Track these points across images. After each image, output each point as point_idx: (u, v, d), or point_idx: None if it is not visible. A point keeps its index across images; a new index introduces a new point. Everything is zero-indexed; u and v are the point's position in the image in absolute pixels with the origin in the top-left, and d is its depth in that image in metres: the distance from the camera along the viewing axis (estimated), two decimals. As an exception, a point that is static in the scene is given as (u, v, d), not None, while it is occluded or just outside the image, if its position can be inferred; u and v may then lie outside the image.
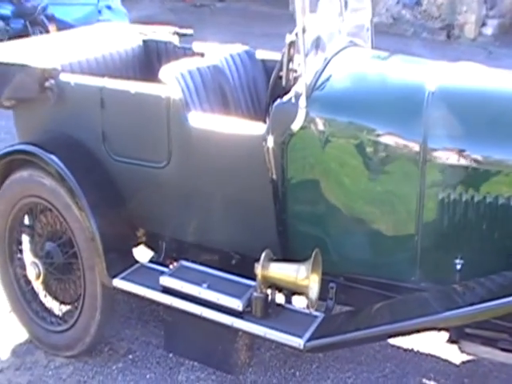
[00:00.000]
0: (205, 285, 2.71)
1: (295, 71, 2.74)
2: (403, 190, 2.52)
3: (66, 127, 3.04)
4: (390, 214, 2.57)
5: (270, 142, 2.53)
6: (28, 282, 3.28)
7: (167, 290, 2.75)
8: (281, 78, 2.80)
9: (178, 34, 3.88)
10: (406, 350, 3.27)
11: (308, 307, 2.62)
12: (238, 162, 2.69)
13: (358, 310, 2.67)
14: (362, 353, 3.23)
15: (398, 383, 3.05)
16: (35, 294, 3.28)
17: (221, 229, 2.83)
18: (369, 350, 3.25)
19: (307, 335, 2.52)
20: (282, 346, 3.15)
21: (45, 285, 3.14)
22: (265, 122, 2.77)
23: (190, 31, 3.88)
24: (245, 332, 2.64)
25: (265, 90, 3.53)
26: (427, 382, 3.08)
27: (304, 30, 2.50)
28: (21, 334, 3.35)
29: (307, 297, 2.57)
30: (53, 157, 2.89)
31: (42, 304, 3.27)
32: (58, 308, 3.25)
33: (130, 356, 3.21)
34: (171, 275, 2.78)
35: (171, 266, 3.05)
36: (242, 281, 2.75)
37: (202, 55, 3.65)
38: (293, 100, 2.54)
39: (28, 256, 3.25)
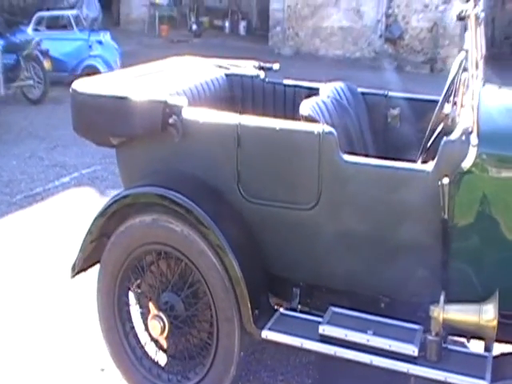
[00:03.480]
0: (370, 331, 2.53)
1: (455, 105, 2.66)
2: None
3: (192, 167, 2.81)
4: None
5: (446, 180, 2.42)
6: (136, 337, 3.01)
7: (327, 339, 2.56)
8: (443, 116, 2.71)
9: (263, 68, 3.75)
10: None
11: (487, 349, 2.50)
12: (400, 202, 2.54)
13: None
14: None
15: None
16: (145, 350, 3.01)
17: (373, 272, 2.66)
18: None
19: (488, 377, 2.39)
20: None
21: (168, 340, 2.86)
22: (410, 160, 2.68)
23: (276, 66, 3.75)
24: (421, 378, 2.47)
25: (368, 124, 3.44)
26: None
27: (477, 65, 2.45)
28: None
29: (487, 338, 2.44)
30: (188, 200, 2.67)
31: (153, 360, 3.00)
32: (174, 363, 2.98)
33: (253, 412, 2.99)
34: (329, 323, 2.58)
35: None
36: (403, 324, 2.58)
37: (296, 90, 3.56)
38: (463, 137, 2.44)
39: (138, 308, 3.01)
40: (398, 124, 3.45)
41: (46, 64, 8.66)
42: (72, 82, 3.11)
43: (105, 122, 2.89)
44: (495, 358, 2.53)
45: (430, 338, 2.47)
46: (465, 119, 2.47)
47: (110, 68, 10.08)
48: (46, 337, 3.53)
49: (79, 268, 2.99)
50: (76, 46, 9.35)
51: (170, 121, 2.75)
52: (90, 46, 9.39)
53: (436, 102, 3.36)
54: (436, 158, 2.49)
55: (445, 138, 2.50)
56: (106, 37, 9.70)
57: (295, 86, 3.62)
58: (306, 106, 2.81)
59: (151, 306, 2.82)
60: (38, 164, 6.43)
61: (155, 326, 2.80)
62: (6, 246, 4.59)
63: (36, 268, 4.27)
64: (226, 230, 2.67)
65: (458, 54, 10.76)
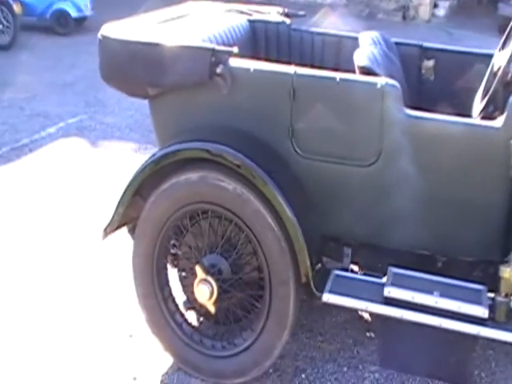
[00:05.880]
0: (436, 293, 2.45)
1: None
2: None
3: (240, 121, 2.61)
4: None
5: None
6: (175, 302, 2.85)
7: (392, 302, 2.47)
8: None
9: (288, 15, 3.52)
10: None
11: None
12: (465, 159, 2.44)
13: None
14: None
15: None
16: (185, 316, 2.85)
17: (433, 231, 2.57)
18: None
19: None
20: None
21: (216, 305, 2.71)
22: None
23: (302, 12, 3.54)
24: (491, 340, 2.42)
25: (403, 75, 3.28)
26: None
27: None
28: (163, 363, 2.91)
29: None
30: (243, 156, 2.48)
31: (194, 326, 2.85)
32: (219, 330, 2.84)
33: (303, 375, 2.87)
34: (394, 285, 2.49)
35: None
36: (467, 285, 2.51)
37: (325, 39, 3.37)
38: None
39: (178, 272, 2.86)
40: (432, 76, 3.33)
41: (16, 7, 8.07)
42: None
43: (144, 70, 2.62)
44: None
45: (499, 299, 2.41)
46: None
47: (80, 12, 9.51)
48: (62, 308, 3.34)
49: (112, 230, 2.79)
50: None
51: (218, 70, 2.53)
52: None
53: (473, 54, 3.26)
54: (505, 115, 2.38)
55: None
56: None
57: (324, 35, 3.43)
58: (362, 57, 2.63)
59: (198, 269, 2.65)
60: (20, 114, 6.00)
61: (203, 291, 2.63)
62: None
63: (42, 225, 4.04)
64: (282, 188, 2.51)
65: (429, 2, 10.63)
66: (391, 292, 2.46)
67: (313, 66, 2.97)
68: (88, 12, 9.68)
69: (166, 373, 2.87)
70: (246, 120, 2.61)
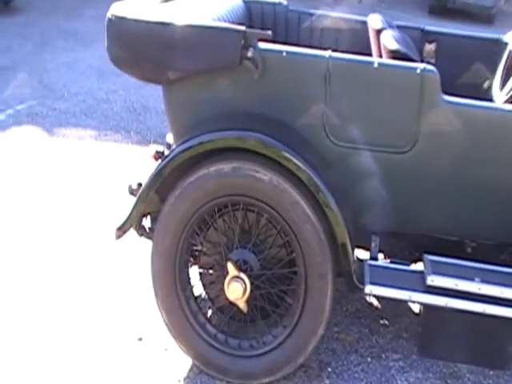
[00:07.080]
0: (477, 279, 2.43)
1: None
2: None
3: (271, 108, 2.47)
4: None
5: None
6: (197, 302, 2.68)
7: (435, 290, 2.43)
8: None
9: None
10: None
11: None
12: (501, 144, 2.43)
13: None
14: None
15: None
16: (207, 316, 2.71)
17: (466, 217, 2.55)
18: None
19: None
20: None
21: (248, 303, 2.57)
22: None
23: None
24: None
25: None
26: None
27: None
28: (181, 367, 2.75)
29: None
30: (283, 146, 2.35)
31: (217, 326, 2.70)
32: (245, 328, 2.70)
33: (329, 369, 2.80)
34: (436, 273, 2.44)
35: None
36: (502, 269, 2.51)
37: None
38: None
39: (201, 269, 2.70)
40: (433, 59, 3.31)
41: None
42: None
43: (165, 53, 2.41)
44: None
45: (537, 281, 2.44)
46: None
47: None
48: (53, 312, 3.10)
49: (128, 228, 2.58)
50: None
51: (249, 54, 2.37)
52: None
53: (475, 38, 3.28)
54: None
55: None
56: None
57: (324, 16, 3.33)
58: (391, 40, 2.56)
59: (230, 266, 2.50)
60: (-41, 102, 5.51)
61: (236, 289, 2.50)
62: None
63: (28, 222, 3.72)
64: (320, 178, 2.41)
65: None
66: (434, 280, 2.42)
67: (311, 48, 2.87)
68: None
69: (188, 377, 2.71)
70: (276, 106, 2.47)
